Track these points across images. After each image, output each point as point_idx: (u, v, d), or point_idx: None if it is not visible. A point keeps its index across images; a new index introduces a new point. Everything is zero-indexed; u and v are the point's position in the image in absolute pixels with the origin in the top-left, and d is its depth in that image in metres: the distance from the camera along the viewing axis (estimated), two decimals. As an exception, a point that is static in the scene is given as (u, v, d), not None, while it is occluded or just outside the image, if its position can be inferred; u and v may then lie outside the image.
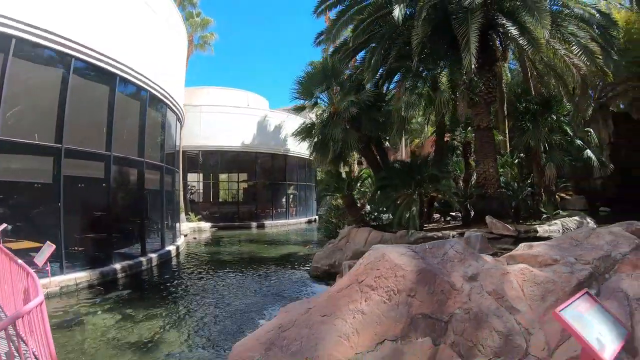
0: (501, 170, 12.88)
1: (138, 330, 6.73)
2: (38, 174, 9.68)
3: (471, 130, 13.02)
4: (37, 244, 8.24)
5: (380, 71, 12.17)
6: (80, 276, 9.26)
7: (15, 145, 8.38)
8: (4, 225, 7.46)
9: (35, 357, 3.11)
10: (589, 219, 10.98)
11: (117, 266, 10.49)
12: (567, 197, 15.38)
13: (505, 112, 11.94)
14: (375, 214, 13.75)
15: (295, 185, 30.19)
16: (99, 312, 7.65)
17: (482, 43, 9.04)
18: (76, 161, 9.67)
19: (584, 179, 17.25)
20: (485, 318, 3.21)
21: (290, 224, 27.96)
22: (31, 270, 4.31)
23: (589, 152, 11.88)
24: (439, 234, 9.91)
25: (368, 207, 14.54)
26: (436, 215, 13.70)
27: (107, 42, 10.06)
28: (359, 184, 14.96)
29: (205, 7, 59.08)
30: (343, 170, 15.65)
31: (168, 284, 10.39)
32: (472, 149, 13.45)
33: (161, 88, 13.11)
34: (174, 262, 13.57)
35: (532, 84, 11.98)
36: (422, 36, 9.15)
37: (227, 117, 25.44)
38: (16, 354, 3.13)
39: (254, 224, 26.22)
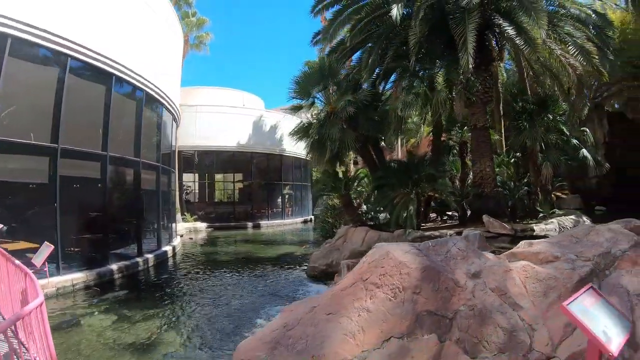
0: (497, 169, 12.96)
1: (135, 331, 6.70)
2: (34, 174, 9.60)
3: (467, 130, 13.09)
4: (33, 245, 8.17)
5: (376, 71, 12.20)
6: (77, 277, 9.19)
7: (11, 145, 8.30)
8: (0, 225, 7.38)
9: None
10: (585, 218, 11.08)
11: (114, 267, 10.42)
12: (563, 196, 15.50)
13: (501, 112, 12.02)
14: (372, 213, 13.78)
15: (291, 185, 30.18)
16: (96, 313, 7.61)
17: (479, 43, 9.10)
18: (72, 161, 9.59)
19: (580, 178, 17.38)
20: (489, 314, 3.24)
21: (286, 224, 27.95)
22: (29, 271, 4.28)
23: (584, 151, 11.97)
24: (436, 233, 9.95)
25: (364, 207, 14.57)
26: (433, 215, 13.75)
27: (104, 41, 9.99)
28: (355, 184, 14.98)
29: (201, 7, 58.90)
30: (340, 170, 15.66)
31: (165, 285, 10.35)
32: (469, 149, 13.54)
33: (157, 88, 13.05)
34: (170, 262, 13.52)
35: (527, 84, 12.07)
36: (420, 36, 9.19)
37: (222, 117, 25.38)
38: (16, 355, 3.10)
39: (249, 224, 26.18)
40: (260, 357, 3.18)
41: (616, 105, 20.04)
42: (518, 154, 13.75)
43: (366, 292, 3.38)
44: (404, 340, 3.04)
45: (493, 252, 6.18)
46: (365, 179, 15.80)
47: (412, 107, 11.13)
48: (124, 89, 11.58)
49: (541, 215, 11.40)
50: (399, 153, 27.19)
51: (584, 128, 13.04)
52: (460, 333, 3.13)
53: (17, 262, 4.89)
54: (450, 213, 13.56)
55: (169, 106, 14.85)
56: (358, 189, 16.14)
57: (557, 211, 11.89)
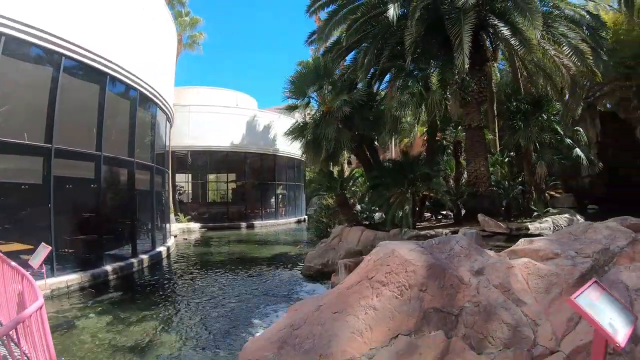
0: (492, 168, 13.09)
1: (131, 332, 6.65)
2: (28, 174, 9.47)
3: (462, 130, 13.20)
4: (27, 246, 8.07)
5: (372, 70, 12.24)
6: (72, 278, 9.09)
7: (5, 145, 8.17)
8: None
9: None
10: (578, 216, 11.25)
11: (108, 268, 10.33)
12: (557, 195, 15.73)
13: (495, 112, 12.14)
14: (367, 213, 13.84)
15: (284, 185, 30.15)
16: (92, 315, 7.53)
17: (474, 43, 9.16)
18: (66, 161, 9.48)
19: (572, 178, 17.66)
20: (493, 311, 3.28)
21: (279, 224, 27.90)
22: (27, 273, 4.23)
23: (578, 150, 12.16)
24: (432, 232, 10.02)
25: (359, 207, 14.63)
26: (427, 214, 13.85)
27: (98, 40, 9.89)
28: (350, 183, 15.02)
29: (194, 6, 58.66)
30: (334, 170, 15.69)
31: (160, 286, 10.28)
32: (463, 148, 13.64)
33: (151, 87, 12.96)
34: (164, 263, 13.42)
35: (521, 84, 12.21)
36: (416, 36, 9.25)
37: (216, 117, 25.26)
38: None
39: (243, 224, 26.08)
40: (268, 357, 3.18)
41: (608, 105, 20.36)
42: (512, 153, 13.91)
43: (372, 290, 3.40)
44: (412, 337, 3.07)
45: (490, 250, 6.26)
46: (360, 179, 15.87)
47: (407, 107, 11.20)
48: (118, 89, 11.47)
49: (535, 214, 11.55)
50: (393, 153, 27.31)
51: (578, 128, 13.23)
52: (466, 329, 3.17)
53: (13, 263, 4.83)
54: (444, 212, 13.67)
55: (162, 106, 14.75)
56: (353, 188, 16.20)
57: (551, 210, 12.05)
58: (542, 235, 6.88)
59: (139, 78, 11.90)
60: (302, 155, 15.63)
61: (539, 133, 11.12)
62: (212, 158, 26.44)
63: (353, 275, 3.73)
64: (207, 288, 9.91)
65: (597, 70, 9.88)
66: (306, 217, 31.41)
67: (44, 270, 7.77)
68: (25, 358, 3.15)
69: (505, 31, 9.40)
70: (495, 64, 12.91)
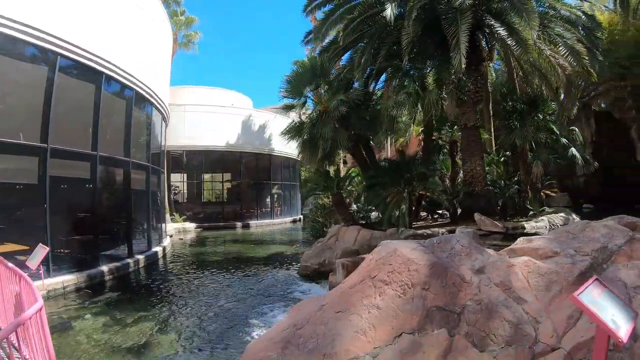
0: (487, 168, 13.17)
1: (128, 333, 6.63)
2: (23, 174, 9.38)
3: (458, 129, 13.27)
4: (23, 247, 8.00)
5: (368, 70, 12.26)
6: (68, 279, 9.04)
7: (0, 145, 8.09)
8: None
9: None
10: (574, 216, 11.34)
11: (105, 268, 10.27)
12: (552, 194, 15.85)
13: (491, 112, 12.22)
14: (364, 212, 13.87)
15: (279, 184, 30.12)
16: (88, 316, 7.50)
17: (470, 43, 9.22)
18: (62, 161, 9.41)
19: (568, 177, 17.82)
20: (495, 309, 3.31)
21: (275, 224, 27.89)
22: (24, 274, 4.20)
23: (573, 150, 12.27)
24: (428, 232, 10.06)
25: (354, 206, 14.66)
26: (423, 214, 13.90)
27: (94, 39, 9.82)
28: (347, 183, 15.05)
29: (190, 6, 58.31)
30: (331, 169, 15.71)
31: (156, 286, 10.25)
32: (459, 148, 13.71)
33: (147, 87, 12.89)
34: (161, 263, 13.38)
35: (517, 84, 12.30)
36: (413, 36, 9.28)
37: (211, 116, 25.18)
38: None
39: (238, 224, 26.03)
40: (272, 357, 3.18)
41: (602, 105, 20.53)
42: (508, 152, 14.00)
43: (375, 289, 3.42)
44: (416, 336, 3.09)
45: (488, 249, 6.30)
46: (357, 179, 15.89)
47: (403, 107, 11.24)
48: (114, 88, 11.40)
49: (531, 213, 11.63)
50: (388, 152, 27.39)
51: (573, 127, 13.34)
52: (468, 327, 3.19)
53: (10, 264, 4.78)
54: (440, 211, 13.74)
55: (158, 105, 14.68)
56: (349, 188, 16.22)
57: (547, 209, 12.16)
58: (538, 234, 6.95)
59: (134, 77, 11.83)
60: (298, 155, 15.59)
61: (535, 133, 11.20)
62: (208, 158, 26.34)
63: (355, 275, 3.74)
64: (204, 288, 9.89)
65: (592, 71, 9.98)
66: (301, 216, 31.42)
67: (41, 272, 7.71)
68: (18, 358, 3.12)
69: (502, 31, 9.45)
70: (491, 64, 13.00)
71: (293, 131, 13.05)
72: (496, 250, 4.66)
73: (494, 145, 12.90)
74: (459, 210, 11.91)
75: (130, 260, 11.50)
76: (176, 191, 28.28)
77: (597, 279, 2.79)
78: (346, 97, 11.17)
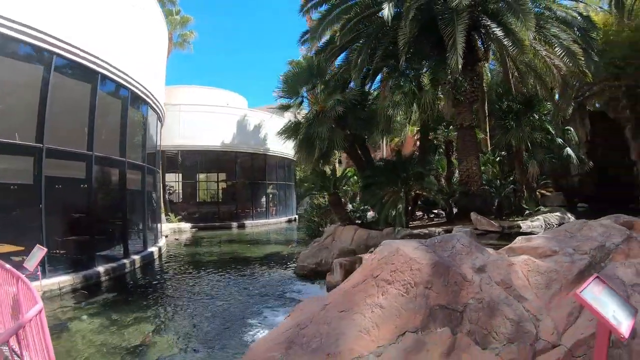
0: (483, 168, 13.27)
1: (124, 334, 6.58)
2: (18, 174, 9.29)
3: (453, 129, 13.35)
4: (18, 248, 7.91)
5: (365, 70, 12.29)
6: (64, 280, 8.96)
7: (-5, 145, 8.03)
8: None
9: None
10: (569, 215, 11.46)
11: (101, 269, 10.19)
12: (547, 193, 16.01)
13: (487, 112, 12.31)
14: (360, 212, 13.92)
15: (275, 184, 30.10)
16: (84, 317, 7.44)
17: (466, 43, 9.27)
18: (57, 161, 9.33)
19: (563, 176, 17.97)
20: (496, 307, 3.34)
21: (270, 224, 27.84)
22: (22, 276, 4.16)
23: (569, 150, 12.40)
24: (425, 231, 10.12)
25: (350, 206, 14.71)
26: (419, 213, 13.98)
27: (89, 38, 9.75)
28: (343, 183, 15.09)
29: (185, 5, 58.02)
30: (327, 169, 15.74)
31: (152, 286, 10.21)
32: (455, 148, 13.80)
33: (143, 86, 12.82)
34: (157, 263, 13.30)
35: (512, 84, 12.40)
36: (410, 36, 9.33)
37: (206, 116, 25.08)
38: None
39: (234, 224, 25.96)
40: (276, 358, 3.18)
41: (597, 105, 20.70)
42: (503, 152, 14.12)
43: (378, 288, 3.44)
44: (419, 334, 3.12)
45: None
46: (353, 178, 15.95)
47: (400, 107, 11.30)
48: (109, 88, 11.33)
49: (527, 212, 11.74)
50: (384, 152, 27.46)
51: (568, 127, 13.48)
52: (470, 325, 3.22)
53: (7, 266, 4.74)
54: (436, 211, 13.82)
55: (154, 105, 14.60)
56: (344, 187, 16.26)
57: (543, 208, 12.27)
58: (534, 234, 7.03)
59: (130, 77, 11.76)
60: (294, 155, 15.60)
61: (530, 133, 11.32)
62: (203, 157, 26.28)
63: (357, 274, 3.76)
64: (200, 288, 9.84)
65: (587, 71, 10.09)
66: (297, 216, 31.42)
67: (39, 273, 7.65)
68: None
69: (498, 32, 9.53)
70: (486, 64, 13.09)
71: (289, 131, 13.06)
72: (494, 249, 4.72)
73: (489, 145, 13.01)
74: (455, 210, 11.99)
75: (126, 261, 11.42)
76: (171, 191, 28.17)
77: (597, 277, 2.84)
78: (343, 97, 11.20)
